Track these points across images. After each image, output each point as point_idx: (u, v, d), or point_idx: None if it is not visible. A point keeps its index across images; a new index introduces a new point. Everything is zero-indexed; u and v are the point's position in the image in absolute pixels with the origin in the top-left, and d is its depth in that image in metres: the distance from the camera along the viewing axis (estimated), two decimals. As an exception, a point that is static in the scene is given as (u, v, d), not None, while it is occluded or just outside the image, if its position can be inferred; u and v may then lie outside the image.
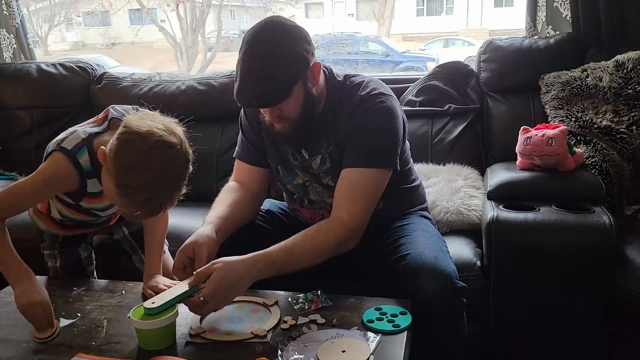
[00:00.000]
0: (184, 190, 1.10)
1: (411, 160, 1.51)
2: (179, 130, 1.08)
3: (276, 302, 1.18)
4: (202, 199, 1.70)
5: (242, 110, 1.47)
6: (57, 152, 1.17)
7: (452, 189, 1.81)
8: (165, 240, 1.42)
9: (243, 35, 1.23)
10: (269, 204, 1.57)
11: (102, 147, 1.08)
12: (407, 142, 1.44)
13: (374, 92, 1.28)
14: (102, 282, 1.36)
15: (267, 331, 1.08)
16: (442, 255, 1.26)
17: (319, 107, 1.31)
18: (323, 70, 1.32)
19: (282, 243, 1.19)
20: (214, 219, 1.28)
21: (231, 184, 1.45)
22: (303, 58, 1.19)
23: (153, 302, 1.06)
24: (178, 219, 1.64)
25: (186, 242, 1.19)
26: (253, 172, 1.45)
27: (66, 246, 1.42)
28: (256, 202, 1.45)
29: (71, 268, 1.40)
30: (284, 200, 1.58)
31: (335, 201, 1.27)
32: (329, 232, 1.22)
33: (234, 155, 1.49)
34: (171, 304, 1.07)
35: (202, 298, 1.07)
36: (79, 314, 1.19)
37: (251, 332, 1.07)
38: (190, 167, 1.09)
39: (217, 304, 1.10)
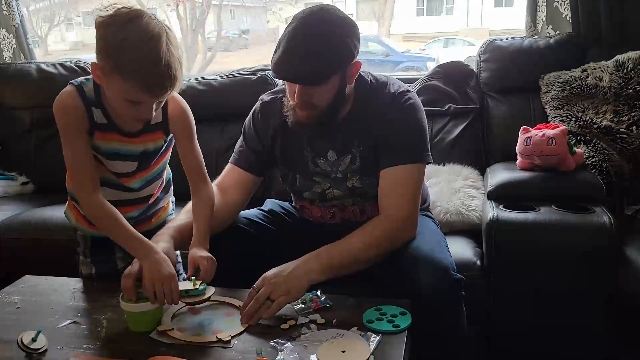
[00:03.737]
0: (180, 72, 1.09)
1: None
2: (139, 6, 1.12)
3: None
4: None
5: (250, 118, 1.44)
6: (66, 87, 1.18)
7: (452, 189, 1.81)
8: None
9: (293, 15, 1.23)
10: (270, 204, 1.56)
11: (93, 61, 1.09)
12: None
13: (400, 89, 1.32)
14: (102, 282, 1.35)
15: (232, 337, 1.06)
16: (439, 247, 1.27)
17: (345, 107, 1.32)
18: None
19: (342, 243, 1.22)
20: (175, 232, 1.23)
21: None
22: (349, 51, 1.20)
23: (141, 290, 1.11)
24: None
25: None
26: (243, 178, 1.41)
27: (99, 253, 1.35)
28: (230, 213, 1.37)
29: (107, 277, 1.29)
30: (284, 199, 1.58)
31: (380, 202, 1.29)
32: (376, 224, 1.25)
33: (230, 161, 1.45)
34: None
35: (258, 290, 1.12)
36: (79, 314, 1.19)
37: (216, 336, 1.06)
38: (174, 39, 1.09)
39: (278, 295, 1.11)
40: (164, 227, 1.27)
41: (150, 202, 1.34)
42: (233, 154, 1.46)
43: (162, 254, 1.14)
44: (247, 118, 1.46)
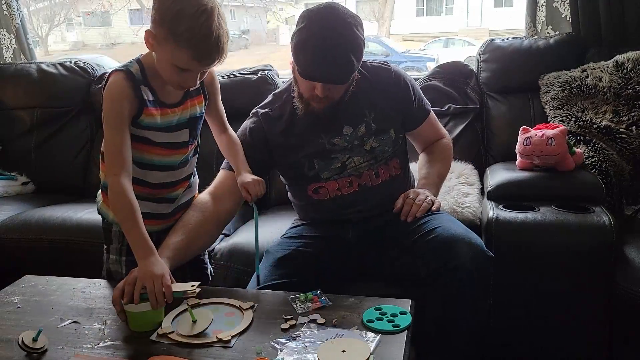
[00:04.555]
0: (227, 46, 1.18)
1: None
2: None
3: (252, 307, 1.17)
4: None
5: (247, 131, 1.45)
6: (110, 75, 1.23)
7: (445, 187, 1.80)
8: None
9: (301, 13, 1.31)
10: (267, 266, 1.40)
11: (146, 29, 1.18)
12: None
13: (381, 61, 1.53)
14: (102, 282, 1.36)
15: (233, 336, 1.07)
16: (467, 229, 1.33)
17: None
18: None
19: (423, 170, 1.57)
20: (170, 252, 1.25)
21: (205, 198, 1.40)
22: (364, 46, 1.32)
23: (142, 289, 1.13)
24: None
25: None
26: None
27: (132, 252, 1.29)
28: (222, 223, 1.42)
29: None
30: (282, 202, 1.58)
31: (429, 141, 1.60)
32: (442, 146, 1.60)
33: (221, 167, 1.45)
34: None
35: (411, 196, 1.40)
36: (80, 314, 1.19)
37: (216, 336, 1.06)
38: (223, 14, 1.17)
39: (426, 204, 1.38)
40: (162, 244, 1.27)
41: (190, 180, 1.40)
42: (225, 161, 1.45)
43: (159, 257, 1.17)
44: (243, 131, 1.47)
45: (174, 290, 1.13)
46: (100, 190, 1.37)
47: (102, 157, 1.30)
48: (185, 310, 1.17)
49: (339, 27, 1.26)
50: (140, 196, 1.27)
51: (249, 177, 1.34)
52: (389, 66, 1.50)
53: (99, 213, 1.39)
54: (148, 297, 1.11)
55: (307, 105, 1.36)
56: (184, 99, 1.30)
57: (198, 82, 1.23)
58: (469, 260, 1.21)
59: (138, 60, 1.25)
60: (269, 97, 1.50)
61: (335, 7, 1.28)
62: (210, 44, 1.14)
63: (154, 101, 1.24)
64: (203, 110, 1.35)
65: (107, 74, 1.24)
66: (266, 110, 1.46)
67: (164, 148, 1.29)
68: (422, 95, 1.55)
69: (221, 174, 1.44)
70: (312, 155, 1.42)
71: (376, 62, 1.50)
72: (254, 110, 1.49)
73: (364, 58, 1.41)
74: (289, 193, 1.57)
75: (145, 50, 1.28)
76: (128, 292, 1.12)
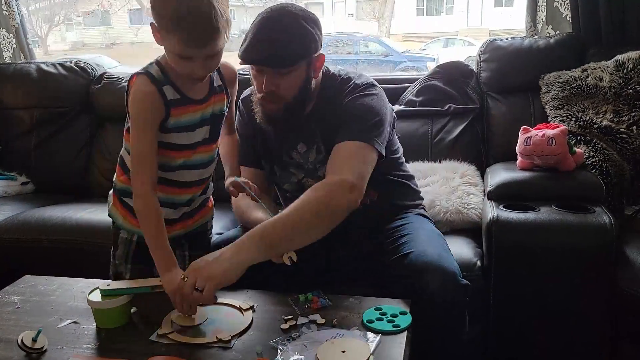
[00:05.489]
0: (222, 24, 1.09)
1: (402, 156, 1.54)
2: None
3: (252, 307, 1.17)
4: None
5: (238, 117, 1.47)
6: (132, 79, 1.19)
7: (449, 187, 1.81)
8: None
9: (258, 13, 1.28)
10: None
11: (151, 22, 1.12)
12: (396, 136, 1.49)
13: (366, 82, 1.35)
14: (103, 282, 1.35)
15: (233, 337, 1.07)
16: (445, 253, 1.28)
17: (311, 101, 1.35)
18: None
19: (276, 216, 1.15)
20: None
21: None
22: (314, 40, 1.25)
23: (108, 285, 1.17)
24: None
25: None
26: (258, 174, 1.47)
27: (138, 261, 1.32)
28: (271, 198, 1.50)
29: None
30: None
31: (329, 169, 1.24)
32: (311, 188, 1.18)
33: (238, 162, 1.45)
34: (126, 293, 1.16)
35: (184, 278, 1.07)
36: (79, 314, 1.19)
37: (216, 337, 1.06)
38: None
39: (202, 282, 1.05)
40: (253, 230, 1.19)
41: (204, 185, 1.37)
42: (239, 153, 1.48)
43: (179, 269, 1.16)
44: (237, 115, 1.48)
45: (138, 285, 1.16)
46: (111, 192, 1.36)
47: (119, 162, 1.30)
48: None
49: (286, 17, 1.22)
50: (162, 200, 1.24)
51: (242, 178, 1.35)
52: (354, 81, 1.34)
53: (109, 215, 1.38)
54: (113, 294, 1.14)
55: (261, 108, 1.31)
56: (209, 94, 1.26)
57: (206, 70, 1.15)
58: (437, 290, 1.16)
59: (157, 62, 1.20)
60: (245, 92, 1.48)
61: (291, 5, 1.26)
62: (199, 24, 1.05)
63: (181, 99, 1.21)
64: (225, 108, 1.31)
65: (128, 79, 1.21)
66: (250, 92, 1.45)
67: (184, 150, 1.26)
68: (373, 126, 1.27)
69: (243, 171, 1.43)
70: (273, 161, 1.42)
71: (353, 73, 1.38)
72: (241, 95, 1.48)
73: (342, 72, 1.37)
74: None
75: (145, 49, 1.27)
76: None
